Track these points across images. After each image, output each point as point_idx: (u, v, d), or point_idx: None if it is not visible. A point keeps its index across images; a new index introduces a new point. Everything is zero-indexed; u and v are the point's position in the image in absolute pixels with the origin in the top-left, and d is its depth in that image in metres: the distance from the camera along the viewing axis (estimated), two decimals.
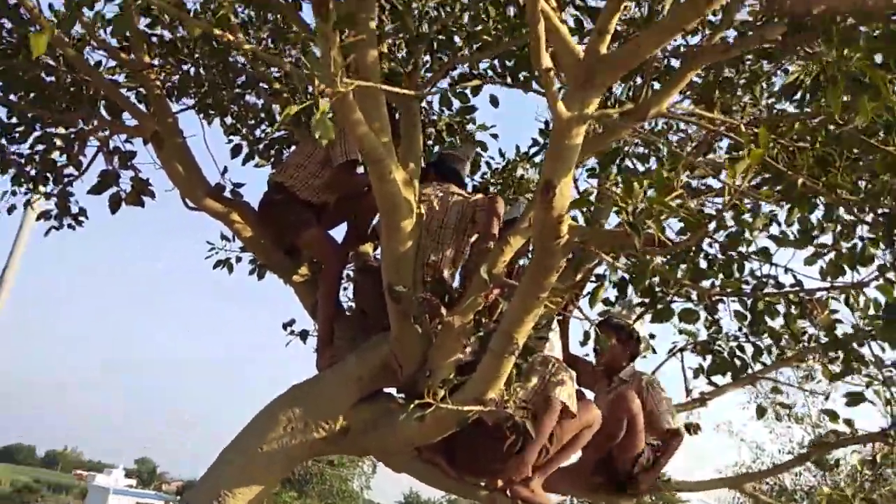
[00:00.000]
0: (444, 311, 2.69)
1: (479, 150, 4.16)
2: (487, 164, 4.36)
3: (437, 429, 2.61)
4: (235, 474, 2.70)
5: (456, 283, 3.01)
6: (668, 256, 3.12)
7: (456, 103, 3.69)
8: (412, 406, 2.30)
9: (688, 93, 3.03)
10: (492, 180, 4.36)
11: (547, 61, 1.69)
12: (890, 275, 2.68)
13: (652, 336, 3.93)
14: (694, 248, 3.25)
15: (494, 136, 4.10)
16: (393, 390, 3.08)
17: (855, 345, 2.93)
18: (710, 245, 3.28)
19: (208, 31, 2.11)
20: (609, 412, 3.16)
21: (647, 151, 3.62)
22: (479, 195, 3.13)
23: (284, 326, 3.59)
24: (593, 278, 3.58)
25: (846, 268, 2.77)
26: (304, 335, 3.62)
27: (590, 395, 3.54)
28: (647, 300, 3.20)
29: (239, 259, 4.48)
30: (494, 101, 3.90)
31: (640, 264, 2.20)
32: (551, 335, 3.21)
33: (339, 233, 3.52)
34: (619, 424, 3.09)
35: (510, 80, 3.53)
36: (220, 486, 2.68)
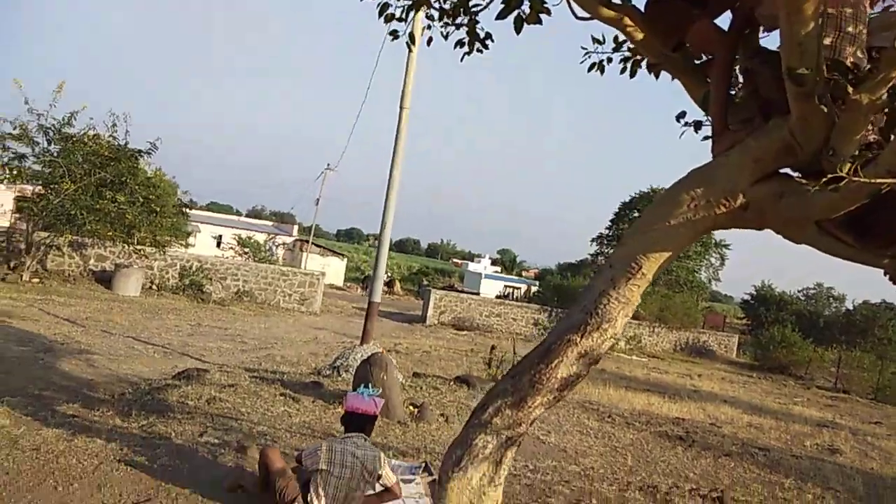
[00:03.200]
0: (849, 89, 2.72)
1: None
2: None
3: (845, 202, 2.78)
4: (648, 243, 3.31)
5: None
6: None
7: None
8: (822, 181, 2.52)
9: None
10: None
11: None
12: None
13: None
14: None
15: None
16: (787, 170, 3.27)
17: None
18: None
19: None
20: None
21: None
22: None
23: (677, 118, 3.90)
24: None
25: None
26: (697, 125, 3.91)
27: None
28: None
29: (609, 60, 4.86)
30: None
31: None
32: None
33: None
34: None
35: None
36: (636, 251, 3.33)
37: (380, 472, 4.16)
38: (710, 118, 3.49)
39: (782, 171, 3.24)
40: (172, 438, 5.65)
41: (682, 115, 3.85)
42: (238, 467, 5.05)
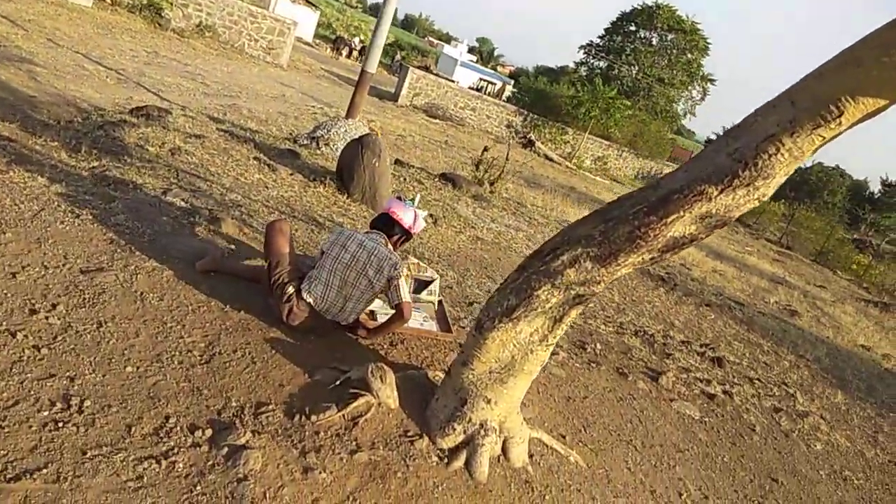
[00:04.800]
0: None
1: None
2: None
3: None
4: (864, 79, 2.31)
5: None
6: None
7: None
8: None
9: None
10: None
11: None
12: None
13: None
14: None
15: None
16: None
17: None
18: None
19: None
20: None
21: None
22: None
23: None
24: None
25: None
26: None
27: None
28: None
29: None
30: None
31: None
32: None
33: None
34: None
35: None
36: (841, 90, 2.34)
37: (395, 277, 3.41)
38: None
39: None
40: (131, 191, 4.69)
41: None
42: (210, 243, 4.22)
